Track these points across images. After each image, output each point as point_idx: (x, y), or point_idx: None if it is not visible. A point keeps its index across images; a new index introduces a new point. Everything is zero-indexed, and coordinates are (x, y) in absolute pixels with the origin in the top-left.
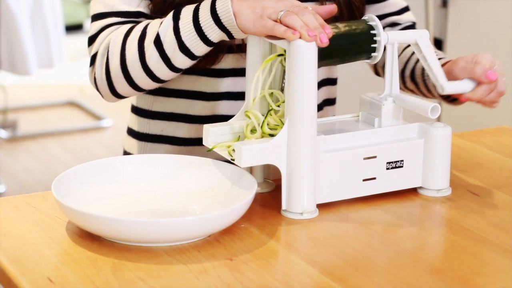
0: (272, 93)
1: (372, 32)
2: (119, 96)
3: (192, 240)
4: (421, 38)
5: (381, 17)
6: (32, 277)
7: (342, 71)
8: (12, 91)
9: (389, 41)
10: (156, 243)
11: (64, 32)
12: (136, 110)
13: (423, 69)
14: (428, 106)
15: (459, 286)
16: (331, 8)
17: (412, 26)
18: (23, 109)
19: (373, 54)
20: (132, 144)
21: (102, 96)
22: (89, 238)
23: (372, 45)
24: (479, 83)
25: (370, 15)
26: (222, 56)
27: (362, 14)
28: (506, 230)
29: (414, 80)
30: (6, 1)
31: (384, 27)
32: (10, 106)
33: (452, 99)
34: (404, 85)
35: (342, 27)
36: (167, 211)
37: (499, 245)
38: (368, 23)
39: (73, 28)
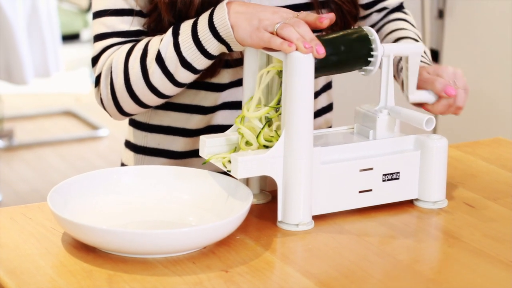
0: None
1: (370, 45)
2: (126, 114)
3: (187, 252)
4: (413, 55)
5: (370, 4)
6: None
7: (339, 82)
8: (8, 100)
9: (384, 53)
10: (152, 255)
11: (61, 41)
12: (134, 123)
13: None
14: (423, 118)
15: None
16: (329, 16)
17: (399, 8)
18: (19, 118)
19: (369, 67)
20: (129, 156)
21: (110, 115)
22: (85, 250)
23: (369, 58)
24: (439, 96)
25: (368, 28)
26: (219, 69)
27: (355, 16)
28: (502, 242)
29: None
30: (2, 10)
31: (371, 13)
32: (6, 115)
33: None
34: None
35: (339, 36)
36: (163, 222)
37: (494, 257)
38: (366, 34)
39: (70, 37)
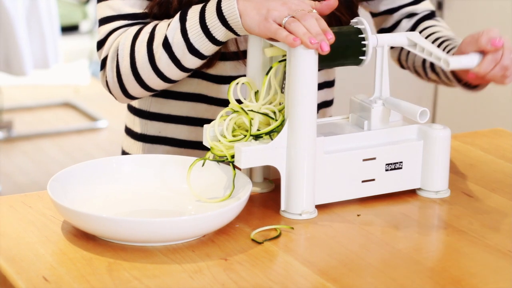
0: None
1: (361, 35)
2: (131, 97)
3: (186, 240)
4: (411, 35)
5: (396, 9)
6: (27, 276)
7: (336, 73)
8: (7, 92)
9: (378, 44)
10: (151, 243)
11: (60, 33)
12: (134, 110)
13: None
14: (417, 110)
15: (453, 287)
16: (332, 2)
17: (430, 15)
18: (18, 109)
19: (362, 57)
20: (131, 144)
21: (116, 98)
22: (85, 238)
23: (362, 49)
24: (484, 54)
25: (360, 19)
26: (215, 61)
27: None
28: (500, 231)
29: (435, 70)
30: (2, 2)
31: (401, 19)
32: (5, 107)
33: (470, 85)
34: (426, 76)
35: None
36: (162, 211)
37: (493, 247)
38: (357, 26)
39: (69, 29)
